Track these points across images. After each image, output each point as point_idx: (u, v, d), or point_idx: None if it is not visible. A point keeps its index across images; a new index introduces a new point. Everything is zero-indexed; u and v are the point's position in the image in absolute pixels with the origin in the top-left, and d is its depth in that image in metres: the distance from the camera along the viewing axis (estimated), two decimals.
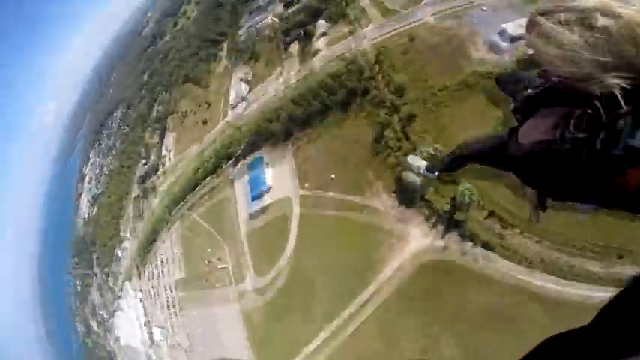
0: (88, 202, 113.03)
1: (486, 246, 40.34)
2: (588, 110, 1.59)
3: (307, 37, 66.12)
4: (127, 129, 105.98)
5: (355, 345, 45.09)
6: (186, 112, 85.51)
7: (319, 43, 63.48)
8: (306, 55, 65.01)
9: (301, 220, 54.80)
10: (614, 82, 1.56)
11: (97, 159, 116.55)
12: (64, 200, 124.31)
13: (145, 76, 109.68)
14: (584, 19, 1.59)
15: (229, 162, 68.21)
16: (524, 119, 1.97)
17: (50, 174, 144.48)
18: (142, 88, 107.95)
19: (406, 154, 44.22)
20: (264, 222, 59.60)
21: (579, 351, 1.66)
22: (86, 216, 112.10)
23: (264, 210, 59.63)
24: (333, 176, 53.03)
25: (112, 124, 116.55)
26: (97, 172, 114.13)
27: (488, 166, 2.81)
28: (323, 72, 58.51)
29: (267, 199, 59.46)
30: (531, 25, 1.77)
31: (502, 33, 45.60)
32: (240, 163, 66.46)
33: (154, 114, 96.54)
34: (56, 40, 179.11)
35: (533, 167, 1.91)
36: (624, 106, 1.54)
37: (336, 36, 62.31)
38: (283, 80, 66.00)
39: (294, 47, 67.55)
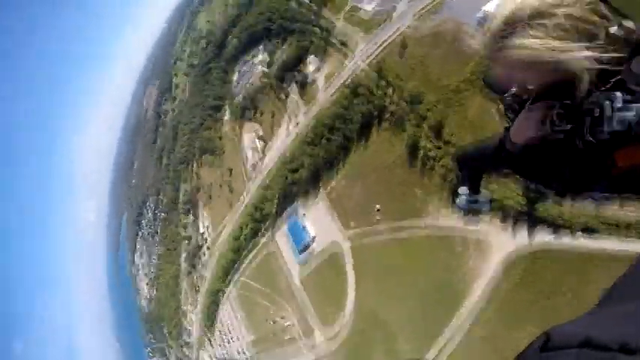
0: (146, 284, 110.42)
1: (585, 229, 33.38)
2: (567, 101, 1.53)
3: (303, 76, 61.93)
4: (163, 214, 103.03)
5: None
6: (211, 184, 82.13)
7: (317, 79, 59.06)
8: (308, 94, 60.68)
9: (355, 254, 49.06)
10: (582, 66, 1.47)
11: (144, 247, 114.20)
12: (125, 286, 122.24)
13: (164, 160, 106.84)
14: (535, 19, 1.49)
15: (267, 222, 63.39)
16: (516, 117, 1.85)
17: (105, 266, 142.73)
18: (165, 171, 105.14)
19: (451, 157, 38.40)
20: (316, 268, 54.36)
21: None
22: (148, 296, 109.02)
23: (314, 258, 54.50)
24: (378, 207, 46.73)
25: (147, 212, 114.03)
26: (146, 258, 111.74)
27: (491, 170, 2.60)
28: (332, 105, 53.76)
29: (315, 249, 54.30)
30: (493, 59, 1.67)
31: (486, 18, 39.82)
32: (278, 220, 61.47)
33: (182, 194, 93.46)
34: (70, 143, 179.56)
35: (533, 162, 1.83)
36: (596, 91, 1.48)
37: (331, 67, 57.83)
38: (294, 125, 61.67)
39: (294, 90, 63.29)
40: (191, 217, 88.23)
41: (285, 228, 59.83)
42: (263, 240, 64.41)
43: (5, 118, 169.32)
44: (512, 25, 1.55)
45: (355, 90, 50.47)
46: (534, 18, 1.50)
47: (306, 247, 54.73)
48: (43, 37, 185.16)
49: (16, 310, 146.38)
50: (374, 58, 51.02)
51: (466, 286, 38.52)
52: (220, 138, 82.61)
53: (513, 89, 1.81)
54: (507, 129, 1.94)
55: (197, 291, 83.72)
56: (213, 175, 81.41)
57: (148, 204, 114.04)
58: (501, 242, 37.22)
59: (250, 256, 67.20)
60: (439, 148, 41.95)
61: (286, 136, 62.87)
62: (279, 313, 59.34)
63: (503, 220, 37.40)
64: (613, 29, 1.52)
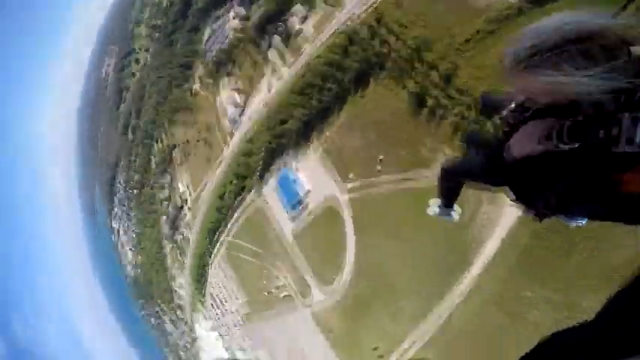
0: (130, 250, 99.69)
1: None
2: (579, 119, 1.40)
3: (287, 28, 51.95)
4: (137, 176, 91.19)
5: (475, 321, 33.80)
6: (187, 141, 71.68)
7: (306, 28, 49.40)
8: (293, 45, 51.08)
9: (354, 208, 42.75)
10: (604, 97, 1.32)
11: (121, 211, 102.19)
12: (108, 252, 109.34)
13: (132, 122, 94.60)
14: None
15: (253, 177, 54.97)
16: (513, 129, 1.73)
17: (83, 234, 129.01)
18: (134, 133, 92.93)
19: (469, 108, 31.65)
20: (312, 223, 47.15)
21: (579, 351, 1.39)
22: (133, 261, 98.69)
23: (309, 213, 47.00)
24: (381, 157, 40.25)
25: (120, 176, 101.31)
26: (126, 222, 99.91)
27: (481, 182, 2.25)
28: (324, 53, 45.10)
29: (309, 204, 47.22)
30: (510, 74, 1.50)
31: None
32: (267, 174, 52.85)
33: (155, 155, 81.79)
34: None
35: (527, 175, 1.66)
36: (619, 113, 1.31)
37: (321, 16, 48.55)
38: (280, 76, 52.03)
39: (277, 42, 53.22)
40: (168, 177, 78.37)
41: (274, 182, 51.89)
42: (250, 196, 56.33)
43: None
44: (542, 49, 1.36)
45: (351, 36, 42.16)
46: (562, 45, 1.32)
47: (300, 201, 47.36)
48: None
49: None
50: (370, 7, 43.37)
51: (477, 242, 33.09)
52: (194, 95, 71.46)
53: (512, 106, 1.67)
54: (501, 143, 1.76)
55: (183, 254, 74.93)
56: (188, 132, 71.67)
57: (119, 166, 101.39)
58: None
59: (236, 214, 59.55)
60: (452, 98, 35.70)
61: (270, 88, 53.57)
62: (273, 273, 52.28)
63: None
64: (634, 48, 1.31)
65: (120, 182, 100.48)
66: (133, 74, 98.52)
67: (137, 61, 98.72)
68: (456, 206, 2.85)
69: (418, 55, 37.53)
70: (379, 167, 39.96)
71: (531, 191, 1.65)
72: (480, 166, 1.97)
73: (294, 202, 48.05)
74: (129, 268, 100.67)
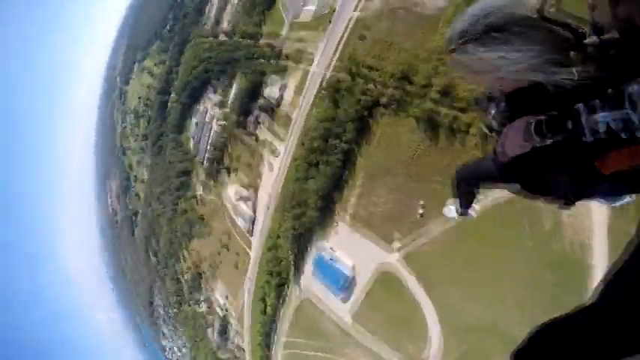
0: None
1: None
2: (552, 113, 1.41)
3: (268, 101, 49.24)
4: (175, 310, 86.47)
5: None
6: (210, 253, 67.39)
7: (285, 97, 46.59)
8: (281, 117, 47.96)
9: (412, 264, 36.07)
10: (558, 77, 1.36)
11: (170, 344, 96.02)
12: None
13: (152, 258, 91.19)
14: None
15: (290, 273, 49.35)
16: (500, 129, 1.73)
17: None
18: (157, 269, 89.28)
19: (481, 121, 26.71)
20: (368, 297, 40.77)
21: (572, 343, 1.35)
22: None
23: (362, 289, 40.84)
24: (422, 202, 34.34)
25: (159, 312, 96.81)
26: (178, 354, 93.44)
27: (490, 185, 2.26)
28: (316, 116, 41.14)
29: (360, 287, 40.99)
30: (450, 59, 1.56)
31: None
32: (300, 263, 47.44)
33: (184, 275, 77.54)
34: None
35: (532, 175, 1.67)
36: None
37: (297, 79, 45.84)
38: (280, 160, 48.34)
39: (264, 118, 50.36)
40: (203, 292, 72.67)
41: (310, 269, 45.81)
42: (292, 291, 49.94)
43: None
44: (471, 35, 1.42)
45: (335, 90, 38.40)
46: (497, 30, 1.37)
47: (348, 280, 41.03)
48: None
49: None
50: (340, 53, 39.98)
51: (582, 252, 26.14)
52: (199, 201, 67.93)
53: (493, 111, 1.68)
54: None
55: None
56: (209, 244, 66.41)
57: (154, 288, 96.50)
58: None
59: (282, 311, 52.52)
60: (460, 108, 30.71)
61: (273, 182, 49.54)
62: None
63: None
64: (589, 40, 1.35)
65: (159, 304, 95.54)
66: (137, 195, 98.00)
67: (137, 195, 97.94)
68: (474, 207, 2.68)
69: (408, 81, 33.54)
70: (421, 211, 34.56)
71: (542, 184, 1.61)
72: (489, 170, 1.92)
73: (342, 283, 42.03)
74: None
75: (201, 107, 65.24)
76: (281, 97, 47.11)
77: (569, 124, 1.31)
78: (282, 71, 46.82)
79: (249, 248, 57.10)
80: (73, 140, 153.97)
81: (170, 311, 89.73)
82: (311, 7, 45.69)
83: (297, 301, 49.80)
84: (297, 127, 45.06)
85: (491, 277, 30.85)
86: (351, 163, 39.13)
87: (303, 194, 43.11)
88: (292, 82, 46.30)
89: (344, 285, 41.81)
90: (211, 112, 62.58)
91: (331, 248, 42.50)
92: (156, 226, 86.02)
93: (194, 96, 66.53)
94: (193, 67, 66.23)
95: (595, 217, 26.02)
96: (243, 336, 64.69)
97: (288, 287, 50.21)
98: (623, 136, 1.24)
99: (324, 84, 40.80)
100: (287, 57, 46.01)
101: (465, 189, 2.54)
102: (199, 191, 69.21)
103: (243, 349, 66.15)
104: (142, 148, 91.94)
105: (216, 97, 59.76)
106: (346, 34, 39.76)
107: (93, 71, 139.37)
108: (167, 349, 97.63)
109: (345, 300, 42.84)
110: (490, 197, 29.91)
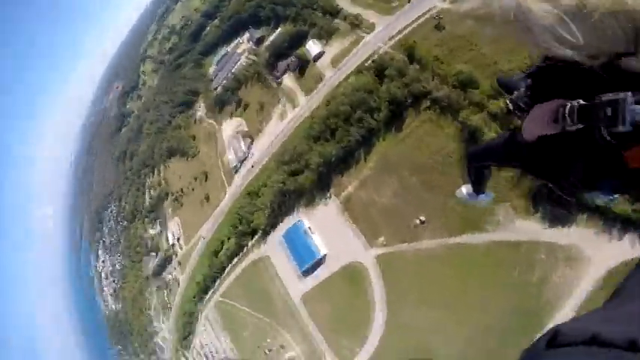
0: (111, 295, 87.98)
1: None
2: (581, 101, 1.34)
3: (300, 62, 45.27)
4: (126, 223, 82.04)
5: None
6: (181, 190, 62.81)
7: (321, 65, 42.76)
8: (308, 81, 44.13)
9: (385, 270, 33.18)
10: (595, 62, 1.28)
11: (107, 256, 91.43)
12: (90, 294, 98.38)
13: (126, 162, 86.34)
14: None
15: (256, 236, 45.73)
16: (524, 112, 1.68)
17: (65, 274, 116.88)
18: (126, 175, 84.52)
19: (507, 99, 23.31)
20: (326, 285, 37.91)
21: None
22: (114, 308, 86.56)
23: (326, 283, 37.73)
24: (422, 218, 31.12)
25: (109, 220, 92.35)
26: (109, 268, 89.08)
27: (503, 165, 2.27)
28: (346, 92, 36.75)
29: (324, 273, 37.73)
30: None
31: None
32: (272, 233, 43.82)
33: (146, 201, 73.05)
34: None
35: (544, 159, 1.63)
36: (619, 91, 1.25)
37: (340, 50, 41.87)
38: (291, 118, 44.70)
39: (289, 77, 46.48)
40: (158, 227, 68.45)
41: (281, 243, 42.45)
42: (251, 256, 46.64)
43: None
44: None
45: (384, 67, 34.65)
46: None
47: (313, 268, 38.04)
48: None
49: None
50: (407, 34, 36.04)
51: (552, 308, 24.63)
52: (194, 138, 63.82)
53: (522, 89, 1.66)
54: (515, 128, 1.78)
55: (169, 308, 63.98)
56: (184, 179, 62.34)
57: (109, 210, 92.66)
58: (602, 252, 23.75)
59: (233, 274, 49.21)
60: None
61: (280, 131, 45.89)
62: (277, 342, 42.14)
63: (608, 230, 24.07)
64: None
65: (111, 211, 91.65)
66: (139, 97, 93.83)
67: (140, 97, 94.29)
68: (487, 192, 2.67)
69: (473, 86, 29.81)
70: (418, 222, 31.24)
71: (553, 170, 1.60)
72: (500, 149, 1.93)
73: (309, 260, 38.72)
74: (110, 313, 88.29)
75: (237, 40, 60.74)
76: (321, 53, 43.20)
77: (609, 112, 1.22)
78: (334, 30, 42.97)
79: (229, 185, 53.23)
80: (100, 36, 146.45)
81: (121, 222, 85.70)
82: None
83: (256, 256, 46.32)
84: (327, 88, 41.15)
85: (458, 308, 28.66)
86: (370, 144, 35.29)
87: (306, 154, 39.27)
88: (339, 44, 42.44)
89: (309, 262, 38.74)
90: (246, 46, 58.59)
91: (309, 227, 38.75)
92: (145, 131, 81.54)
93: (236, 27, 62.18)
94: None
95: (579, 290, 24.15)
96: (181, 284, 61.12)
97: (252, 239, 46.48)
98: None
99: (375, 56, 36.96)
100: (345, 18, 42.13)
101: (476, 168, 2.49)
102: (201, 112, 64.99)
103: (176, 295, 62.55)
104: (161, 61, 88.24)
105: (257, 33, 55.33)
106: (422, 19, 36.13)
107: None
108: (101, 260, 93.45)
109: (302, 277, 39.80)
110: (499, 235, 27.71)
